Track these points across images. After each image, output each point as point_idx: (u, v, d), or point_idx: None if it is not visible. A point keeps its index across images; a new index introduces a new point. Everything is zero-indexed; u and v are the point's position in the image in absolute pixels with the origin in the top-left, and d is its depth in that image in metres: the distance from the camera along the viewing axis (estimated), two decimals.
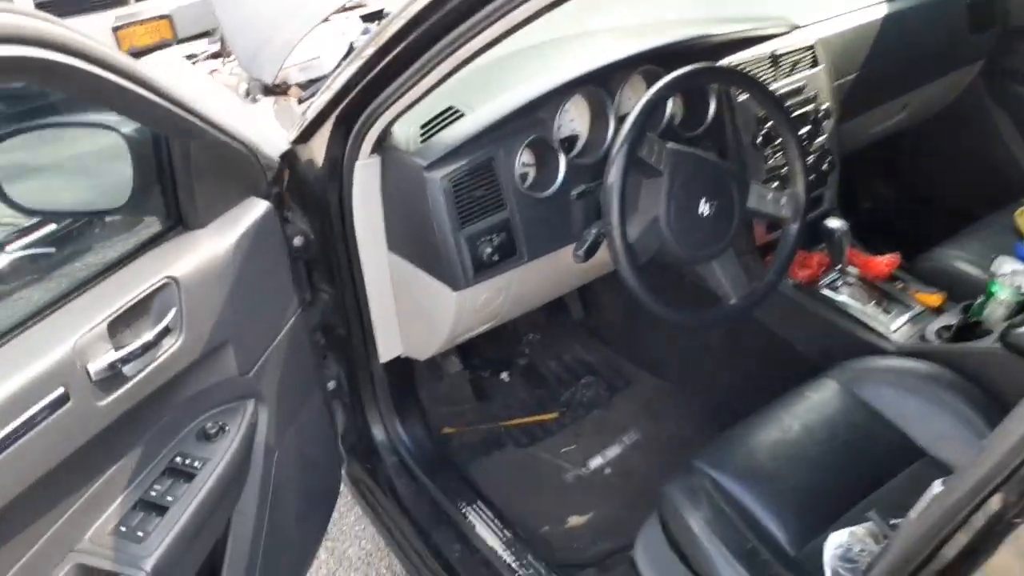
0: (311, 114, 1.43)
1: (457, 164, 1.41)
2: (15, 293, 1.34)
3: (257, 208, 1.34)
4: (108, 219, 1.43)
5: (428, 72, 1.25)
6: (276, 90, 1.91)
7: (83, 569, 1.11)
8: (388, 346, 1.66)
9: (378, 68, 1.28)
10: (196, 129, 1.16)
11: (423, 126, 1.47)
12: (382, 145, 1.44)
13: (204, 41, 4.24)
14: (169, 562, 1.14)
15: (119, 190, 1.28)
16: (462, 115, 1.47)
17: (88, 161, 1.43)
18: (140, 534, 1.14)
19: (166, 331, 1.15)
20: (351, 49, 2.00)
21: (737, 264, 1.53)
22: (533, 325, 2.30)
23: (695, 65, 1.46)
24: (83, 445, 1.06)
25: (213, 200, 1.28)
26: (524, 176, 1.52)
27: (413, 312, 1.60)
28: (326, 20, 1.79)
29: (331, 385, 1.69)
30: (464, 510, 1.70)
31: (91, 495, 1.13)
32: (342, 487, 1.89)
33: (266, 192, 1.37)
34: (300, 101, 1.84)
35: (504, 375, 2.16)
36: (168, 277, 1.17)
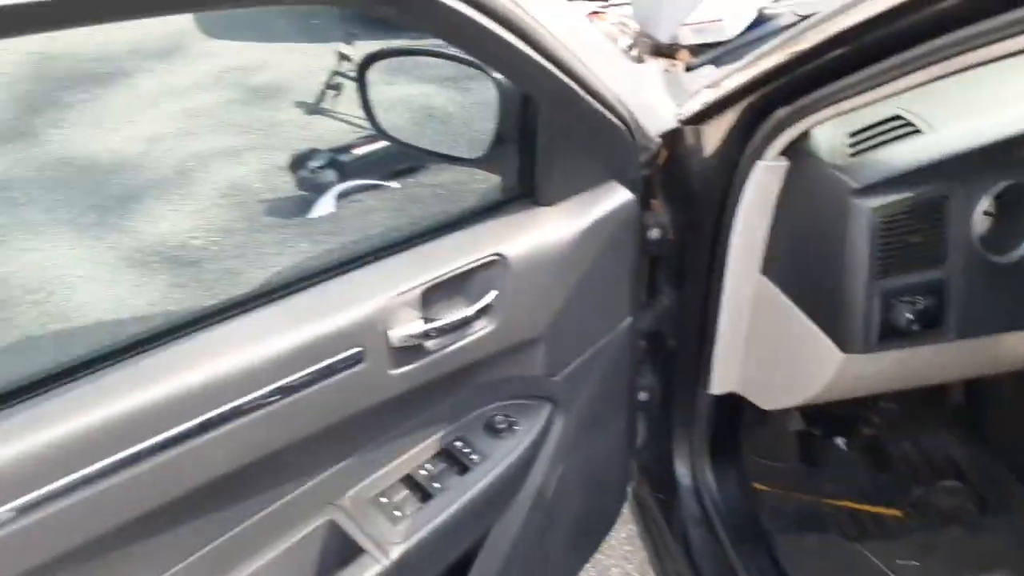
0: (715, 94, 1.20)
1: (898, 196, 1.10)
2: (347, 223, 1.30)
3: (618, 197, 1.16)
4: (459, 169, 1.32)
5: (898, 77, 0.94)
6: (664, 51, 1.68)
7: (334, 527, 1.05)
8: (724, 378, 1.41)
9: (823, 59, 1.01)
10: (573, 97, 0.99)
11: (854, 134, 1.18)
12: (795, 147, 1.17)
13: None
14: (416, 555, 1.04)
15: (479, 143, 1.14)
16: (916, 131, 1.15)
17: (459, 104, 1.32)
18: (397, 513, 1.06)
19: (484, 311, 1.03)
20: (760, 18, 1.72)
21: None
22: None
23: None
24: (364, 409, 0.99)
25: (571, 177, 1.13)
26: (978, 231, 1.16)
27: (770, 353, 1.33)
28: None
29: (642, 396, 1.48)
30: None
31: (361, 457, 1.07)
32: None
33: (633, 181, 1.17)
34: (688, 69, 1.59)
35: (840, 441, 1.81)
36: (498, 254, 1.04)
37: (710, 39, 1.74)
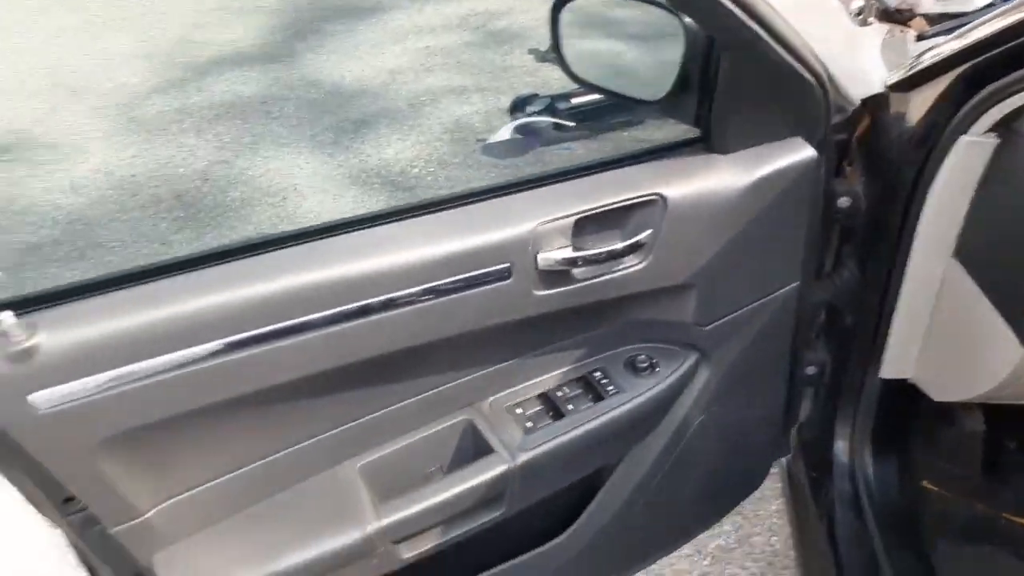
0: (930, 59, 1.12)
1: None
2: (517, 155, 1.35)
3: (800, 154, 1.11)
4: (639, 109, 1.33)
5: None
6: (897, 16, 1.58)
7: (470, 426, 1.12)
8: (897, 363, 1.33)
9: None
10: (756, 42, 0.97)
11: None
12: (1008, 124, 1.07)
13: None
14: (541, 465, 1.10)
15: (661, 84, 1.14)
16: None
17: (646, 45, 1.32)
18: (529, 425, 1.12)
19: (635, 247, 1.04)
20: None
21: None
22: None
23: None
24: (509, 322, 1.03)
25: (751, 128, 1.09)
26: None
27: (951, 341, 1.24)
28: None
29: (810, 371, 1.44)
30: None
31: (503, 370, 1.13)
32: (776, 470, 1.66)
33: (820, 139, 1.12)
34: (920, 38, 1.49)
35: None
36: (658, 194, 1.04)
37: (952, 8, 1.61)
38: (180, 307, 0.84)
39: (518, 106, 3.54)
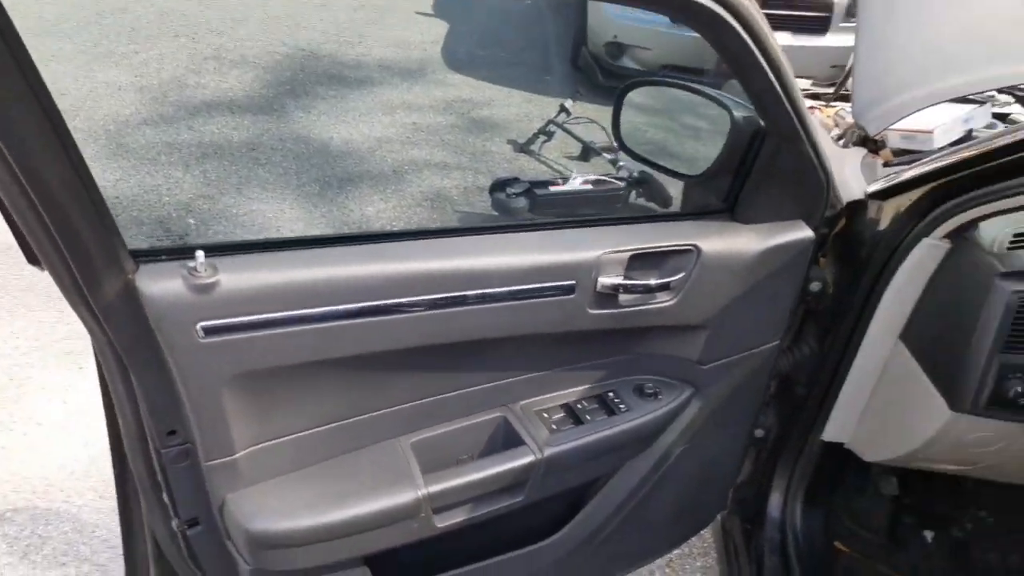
0: (906, 175, 1.39)
1: None
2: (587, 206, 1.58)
3: (800, 233, 1.35)
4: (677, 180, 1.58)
5: None
6: (871, 145, 1.89)
7: (504, 423, 1.30)
8: (838, 427, 1.57)
9: (1006, 159, 1.20)
10: (796, 135, 1.21)
11: (1018, 234, 1.34)
12: (961, 235, 1.35)
13: (807, 81, 4.35)
14: (562, 460, 1.27)
15: (700, 164, 1.39)
16: None
17: (690, 128, 1.59)
18: (554, 427, 1.30)
19: (666, 286, 1.25)
20: (967, 137, 1.89)
21: None
22: (989, 501, 1.95)
23: None
24: (567, 332, 1.23)
25: (770, 206, 1.34)
26: None
27: (886, 410, 1.49)
28: (962, 100, 1.72)
29: (758, 433, 1.66)
30: None
31: (535, 379, 1.32)
32: (705, 531, 1.84)
33: (816, 223, 1.37)
34: (885, 165, 1.80)
35: (928, 534, 1.88)
36: (694, 245, 1.26)
37: (915, 147, 1.92)
38: (326, 272, 1.01)
39: (498, 186, 3.80)
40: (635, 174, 3.60)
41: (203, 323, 0.94)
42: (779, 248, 1.33)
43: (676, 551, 2.29)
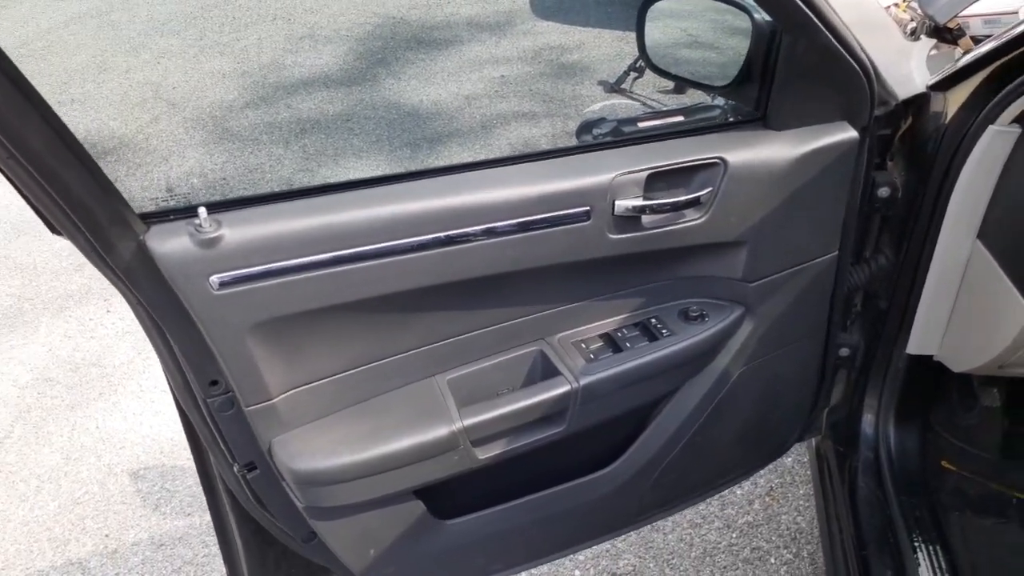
0: (964, 60, 1.27)
1: None
2: (611, 125, 1.53)
3: (844, 134, 1.26)
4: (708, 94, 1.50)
5: None
6: (946, 36, 1.73)
7: (543, 357, 1.28)
8: (923, 339, 1.46)
9: None
10: (810, 26, 1.12)
11: None
12: None
13: None
14: (599, 389, 1.25)
15: (728, 72, 1.32)
16: None
17: (716, 39, 1.50)
18: (592, 356, 1.27)
19: (695, 202, 1.19)
20: None
21: None
22: None
23: None
24: (581, 262, 1.19)
25: (804, 108, 1.25)
26: None
27: (972, 315, 1.37)
28: None
29: (843, 352, 1.57)
30: (917, 545, 1.47)
31: (572, 310, 1.29)
32: (806, 459, 1.76)
33: (864, 123, 1.27)
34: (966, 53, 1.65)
35: None
36: (720, 158, 1.19)
37: (999, 31, 1.74)
38: (330, 218, 1.03)
39: (585, 128, 3.73)
40: (731, 102, 3.46)
41: (215, 276, 0.98)
42: (818, 152, 1.24)
43: (778, 480, 2.24)
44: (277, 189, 1.10)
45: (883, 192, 1.38)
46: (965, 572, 1.45)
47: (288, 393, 1.13)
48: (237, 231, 0.99)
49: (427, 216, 1.08)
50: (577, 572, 2.09)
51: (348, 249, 1.04)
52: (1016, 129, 1.23)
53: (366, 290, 1.08)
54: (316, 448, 1.14)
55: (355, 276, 1.06)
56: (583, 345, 1.29)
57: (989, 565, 1.52)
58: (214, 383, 1.10)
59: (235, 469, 1.19)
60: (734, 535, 2.12)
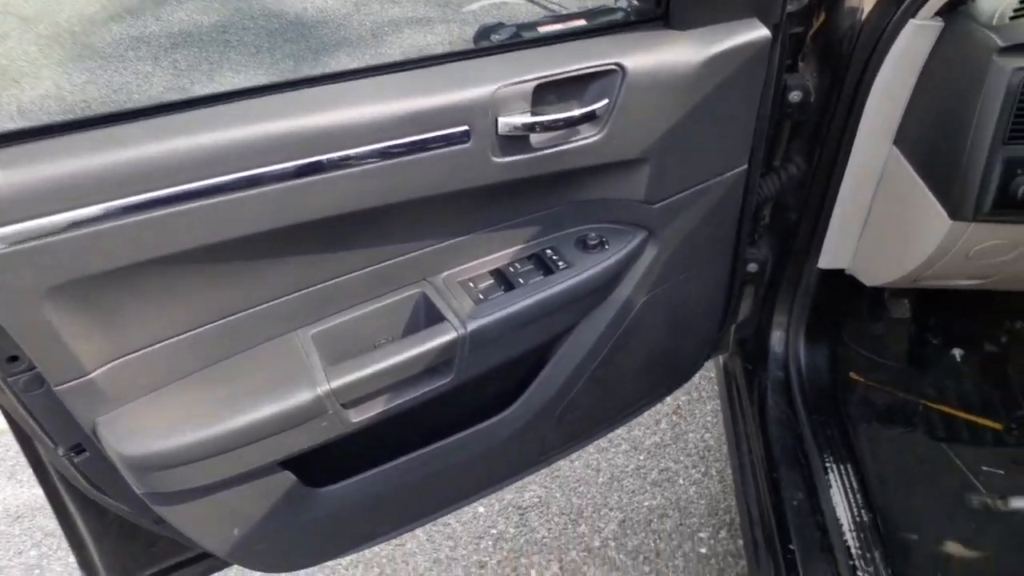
0: None
1: None
2: (510, 31, 1.35)
3: (754, 33, 1.11)
4: None
5: None
6: None
7: (422, 298, 1.13)
8: (835, 253, 1.37)
9: None
10: None
11: None
12: (955, 9, 1.11)
13: None
14: (490, 332, 1.11)
15: None
16: None
17: None
18: (480, 296, 1.12)
19: (590, 116, 1.03)
20: None
21: None
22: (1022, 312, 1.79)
23: None
24: (460, 190, 1.02)
25: (708, 5, 1.08)
26: None
27: (886, 226, 1.28)
28: None
29: (751, 268, 1.47)
30: (828, 464, 1.42)
31: (457, 245, 1.13)
32: (713, 374, 1.70)
33: (776, 19, 1.12)
34: None
35: (957, 352, 1.71)
36: (617, 64, 1.03)
37: None
38: (136, 151, 0.83)
39: (483, 34, 3.51)
40: (635, 2, 3.28)
41: None
42: (727, 54, 1.09)
43: (684, 397, 2.18)
44: (61, 119, 0.86)
45: (795, 96, 1.26)
46: (875, 488, 1.42)
47: (110, 365, 0.94)
48: (17, 172, 0.78)
49: (269, 143, 0.89)
50: (481, 508, 2.00)
51: (168, 189, 0.85)
52: (939, 22, 1.12)
53: (196, 238, 0.89)
54: (151, 426, 0.97)
55: (180, 221, 0.87)
56: (471, 284, 1.15)
57: (897, 476, 1.49)
58: (13, 359, 0.90)
59: (60, 453, 1.01)
60: (642, 457, 2.06)
